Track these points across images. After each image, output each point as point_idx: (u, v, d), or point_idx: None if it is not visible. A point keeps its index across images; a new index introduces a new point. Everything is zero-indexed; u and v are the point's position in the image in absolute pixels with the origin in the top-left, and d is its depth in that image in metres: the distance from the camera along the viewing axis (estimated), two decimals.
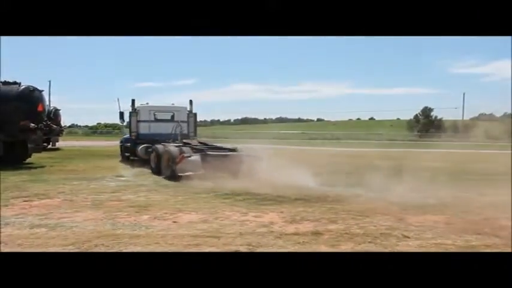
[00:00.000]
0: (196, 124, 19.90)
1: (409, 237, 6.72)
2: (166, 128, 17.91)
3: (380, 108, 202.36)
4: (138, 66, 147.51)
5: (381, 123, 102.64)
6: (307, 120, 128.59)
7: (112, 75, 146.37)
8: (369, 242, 6.40)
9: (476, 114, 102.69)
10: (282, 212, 8.50)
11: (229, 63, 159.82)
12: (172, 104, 19.58)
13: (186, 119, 18.84)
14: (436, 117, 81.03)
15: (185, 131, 18.25)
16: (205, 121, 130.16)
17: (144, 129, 18.51)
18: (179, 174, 13.09)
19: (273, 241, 6.39)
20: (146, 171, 16.01)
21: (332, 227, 7.33)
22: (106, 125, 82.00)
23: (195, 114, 19.60)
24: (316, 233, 6.84)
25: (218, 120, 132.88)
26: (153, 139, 17.02)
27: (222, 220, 7.80)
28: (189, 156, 13.39)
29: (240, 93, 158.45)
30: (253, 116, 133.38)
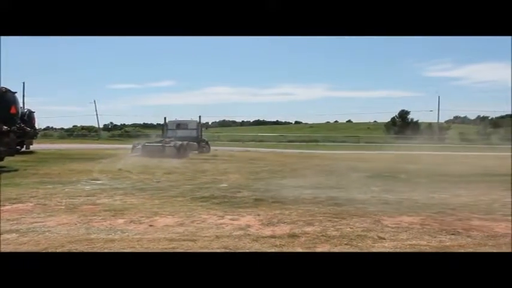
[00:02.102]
0: (202, 130, 29.99)
1: (384, 239, 6.76)
2: (183, 133, 28.33)
3: (357, 111, 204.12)
4: (114, 68, 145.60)
5: (358, 125, 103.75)
6: (285, 123, 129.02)
7: (88, 77, 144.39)
8: (345, 244, 6.41)
9: (451, 117, 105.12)
10: (258, 215, 8.48)
11: (207, 65, 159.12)
12: (191, 118, 30.44)
13: (195, 127, 29.13)
14: (412, 119, 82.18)
15: (194, 135, 28.69)
16: None
17: (170, 133, 28.69)
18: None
19: (249, 244, 6.36)
20: (124, 174, 15.89)
21: (309, 229, 7.33)
22: (83, 128, 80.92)
23: (201, 124, 30.11)
24: (293, 236, 6.83)
25: None
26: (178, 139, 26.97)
27: (198, 223, 7.74)
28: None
29: (218, 95, 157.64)
30: (230, 119, 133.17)
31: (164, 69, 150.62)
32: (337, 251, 6.09)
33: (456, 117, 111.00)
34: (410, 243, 6.56)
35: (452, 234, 7.17)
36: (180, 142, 25.73)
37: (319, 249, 6.13)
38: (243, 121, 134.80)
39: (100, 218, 8.04)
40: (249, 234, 6.93)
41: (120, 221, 7.84)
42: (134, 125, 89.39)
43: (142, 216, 8.21)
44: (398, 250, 6.18)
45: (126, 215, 8.29)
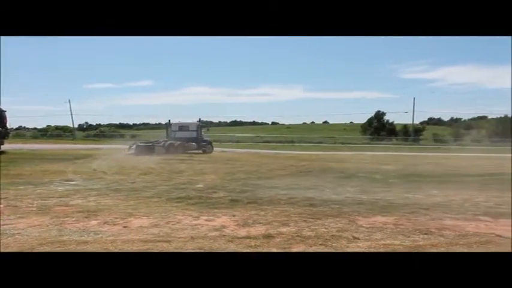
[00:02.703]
0: (201, 131, 32.37)
1: (359, 239, 6.82)
2: (184, 134, 31.21)
3: (334, 111, 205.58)
4: (92, 67, 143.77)
5: (335, 126, 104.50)
6: (262, 124, 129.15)
7: (64, 76, 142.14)
8: (320, 244, 6.44)
9: (426, 118, 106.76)
10: (234, 216, 8.47)
11: (185, 65, 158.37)
12: (193, 121, 33.44)
13: (195, 129, 31.81)
14: (388, 121, 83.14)
15: (194, 136, 31.50)
16: (160, 124, 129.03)
17: (174, 134, 31.52)
18: None
19: (224, 245, 6.35)
20: (99, 175, 15.70)
21: (284, 229, 7.35)
22: (57, 127, 79.56)
23: (201, 126, 32.64)
24: (268, 236, 6.84)
25: None
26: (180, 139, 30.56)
27: (173, 224, 7.69)
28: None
29: (195, 96, 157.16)
30: (207, 119, 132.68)
31: (142, 69, 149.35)
32: (312, 251, 6.12)
33: (431, 119, 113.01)
34: (384, 243, 6.63)
35: (425, 233, 7.27)
36: (169, 142, 29.61)
37: (294, 250, 6.14)
38: (220, 121, 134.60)
39: (73, 219, 7.92)
40: (224, 235, 6.91)
41: (94, 222, 7.74)
42: (110, 125, 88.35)
43: (117, 218, 8.12)
44: (373, 250, 6.24)
45: (100, 216, 8.19)
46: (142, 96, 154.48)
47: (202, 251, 5.99)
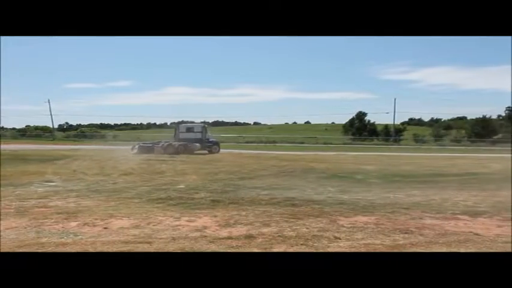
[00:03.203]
0: (205, 133, 34.07)
1: (340, 239, 6.85)
2: (189, 135, 33.19)
3: (316, 112, 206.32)
4: (73, 67, 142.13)
5: (317, 127, 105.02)
6: (244, 124, 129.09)
7: (44, 76, 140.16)
8: (301, 244, 6.47)
9: (406, 119, 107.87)
10: (215, 216, 8.45)
11: (166, 65, 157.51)
12: (199, 122, 39.66)
13: (200, 131, 33.72)
14: (369, 121, 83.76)
15: (199, 137, 33.17)
16: (141, 124, 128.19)
17: (181, 135, 33.32)
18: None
19: (206, 245, 6.33)
20: (79, 176, 15.54)
21: (265, 230, 7.36)
22: (36, 128, 78.50)
23: (206, 127, 35.09)
24: (250, 237, 6.84)
25: (155, 124, 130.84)
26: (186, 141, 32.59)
27: (154, 225, 7.65)
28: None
29: (177, 96, 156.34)
30: (189, 119, 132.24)
31: (123, 69, 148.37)
32: (293, 251, 6.13)
33: (411, 119, 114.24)
34: (365, 242, 6.68)
35: (406, 233, 7.34)
36: (167, 143, 31.89)
37: (275, 250, 6.15)
38: (202, 122, 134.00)
39: (52, 221, 7.82)
40: (205, 236, 6.90)
41: (73, 223, 7.66)
42: (91, 126, 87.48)
43: (97, 219, 8.04)
44: (355, 250, 6.28)
45: (80, 218, 8.10)
46: (123, 96, 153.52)
47: (183, 251, 5.98)
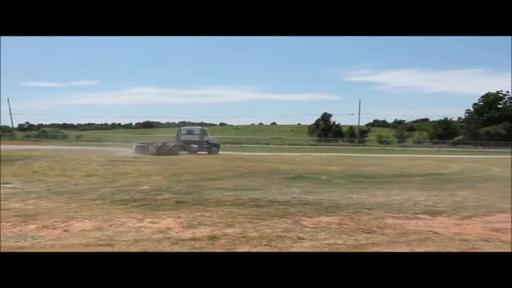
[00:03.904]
0: (203, 135, 36.04)
1: (303, 239, 6.90)
2: (189, 137, 35.64)
3: (282, 113, 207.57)
4: (33, 66, 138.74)
5: (283, 128, 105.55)
6: (210, 125, 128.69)
7: (3, 75, 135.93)
8: (265, 245, 6.47)
9: (371, 120, 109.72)
10: (179, 217, 8.38)
11: (130, 65, 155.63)
12: (199, 125, 42.27)
13: (199, 133, 36.10)
14: (334, 122, 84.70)
15: (197, 139, 35.52)
16: (105, 124, 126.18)
17: (182, 137, 35.87)
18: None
19: (169, 247, 6.27)
20: (39, 177, 15.14)
21: (229, 230, 7.34)
22: None
23: (204, 130, 37.01)
24: (213, 238, 6.81)
25: (119, 124, 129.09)
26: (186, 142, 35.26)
27: (116, 227, 7.52)
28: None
29: (142, 96, 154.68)
30: (155, 120, 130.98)
31: (88, 68, 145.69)
32: (256, 251, 6.13)
33: (376, 121, 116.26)
34: (328, 242, 6.74)
35: (368, 232, 7.46)
36: (161, 143, 33.27)
37: (239, 251, 6.14)
38: (167, 122, 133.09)
39: (9, 224, 7.58)
40: (168, 237, 6.83)
41: (32, 226, 7.44)
42: (53, 125, 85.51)
43: (57, 221, 7.85)
44: (317, 250, 6.32)
45: (39, 220, 7.88)
46: (87, 95, 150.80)
47: (183, 251, 6.01)
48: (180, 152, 33.17)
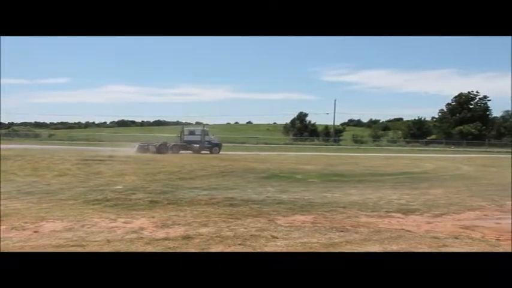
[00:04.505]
0: (204, 135, 36.97)
1: (277, 238, 6.90)
2: (191, 137, 37.08)
3: (258, 112, 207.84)
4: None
5: (259, 127, 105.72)
6: (186, 124, 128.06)
7: None
8: (239, 244, 6.46)
9: (346, 120, 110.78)
10: (153, 217, 8.31)
11: (105, 63, 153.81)
12: (202, 126, 42.39)
13: (200, 133, 37.26)
14: (310, 122, 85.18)
15: (199, 139, 36.55)
16: (79, 123, 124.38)
17: (185, 138, 37.30)
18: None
19: (142, 247, 6.21)
20: (9, 177, 14.82)
21: (203, 230, 7.30)
22: None
23: (205, 130, 37.73)
24: (187, 237, 6.76)
25: (93, 123, 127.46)
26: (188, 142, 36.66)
27: (89, 227, 7.41)
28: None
29: (116, 94, 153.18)
30: (130, 119, 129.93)
31: (60, 66, 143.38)
32: (230, 251, 6.12)
33: (351, 120, 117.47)
34: (302, 241, 6.76)
35: (341, 231, 7.51)
36: (160, 143, 35.02)
37: (213, 250, 6.11)
38: (143, 121, 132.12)
39: None
40: (142, 237, 6.76)
41: (1, 227, 7.27)
42: (25, 124, 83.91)
43: (27, 222, 7.68)
44: (292, 249, 6.33)
45: (8, 221, 7.69)
46: (59, 93, 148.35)
47: (183, 251, 5.94)
48: (182, 152, 34.56)
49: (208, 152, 35.51)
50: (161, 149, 33.46)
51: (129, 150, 32.49)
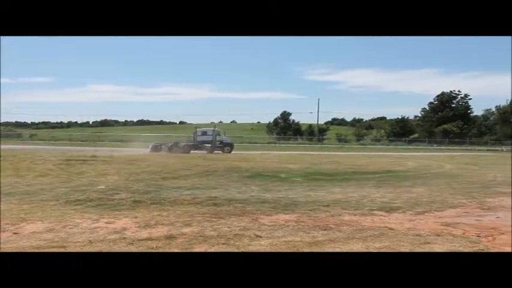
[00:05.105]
0: (216, 136, 38.58)
1: (261, 237, 6.90)
2: (204, 138, 38.59)
3: (241, 111, 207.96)
4: None
5: (242, 126, 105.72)
6: (170, 123, 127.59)
7: None
8: (223, 244, 6.44)
9: (330, 119, 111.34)
10: (136, 217, 8.25)
11: (88, 62, 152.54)
12: (213, 127, 43.06)
13: (211, 134, 38.83)
14: (293, 121, 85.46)
15: (210, 139, 38.16)
16: (61, 123, 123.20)
17: (198, 138, 38.87)
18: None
19: (125, 247, 6.15)
20: None
21: (186, 230, 7.27)
22: None
23: (216, 131, 39.34)
24: (170, 237, 6.73)
25: (76, 122, 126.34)
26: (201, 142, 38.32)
27: (70, 228, 7.33)
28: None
29: (99, 94, 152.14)
30: (113, 118, 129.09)
31: (43, 65, 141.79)
32: (214, 250, 6.10)
33: (334, 119, 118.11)
34: (286, 239, 6.77)
35: (325, 229, 7.53)
36: (171, 143, 37.34)
37: (196, 250, 6.09)
38: (126, 120, 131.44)
39: None
40: (124, 238, 6.70)
41: None
42: (6, 124, 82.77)
43: (7, 223, 7.56)
44: (275, 247, 6.33)
45: None
46: (41, 93, 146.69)
47: (183, 251, 5.82)
48: (193, 151, 35.83)
49: (220, 151, 36.85)
50: (173, 148, 35.59)
51: (143, 150, 34.58)
